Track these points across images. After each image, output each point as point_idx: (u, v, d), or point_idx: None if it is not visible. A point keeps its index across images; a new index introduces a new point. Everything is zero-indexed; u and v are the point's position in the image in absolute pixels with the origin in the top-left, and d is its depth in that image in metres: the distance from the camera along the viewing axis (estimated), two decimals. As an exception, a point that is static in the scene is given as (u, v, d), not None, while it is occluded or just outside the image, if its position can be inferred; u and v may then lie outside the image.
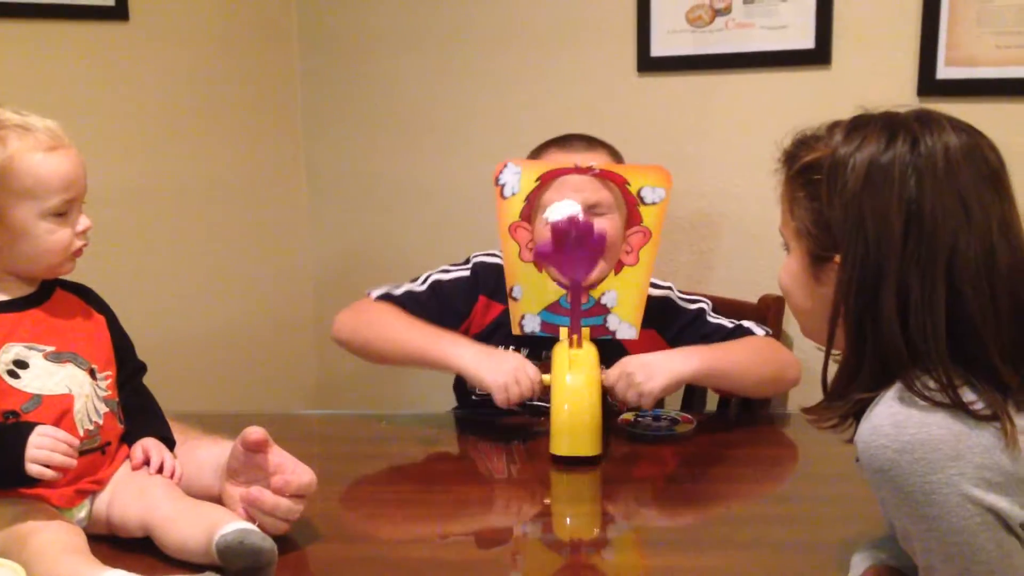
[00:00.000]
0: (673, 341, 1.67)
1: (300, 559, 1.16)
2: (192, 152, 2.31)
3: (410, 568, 1.17)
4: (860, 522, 1.19)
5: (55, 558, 1.03)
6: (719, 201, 2.03)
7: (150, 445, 1.20)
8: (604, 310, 1.54)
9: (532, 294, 1.55)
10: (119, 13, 2.13)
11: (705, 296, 1.75)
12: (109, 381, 1.20)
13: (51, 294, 1.19)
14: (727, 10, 1.93)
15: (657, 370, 1.49)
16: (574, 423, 1.43)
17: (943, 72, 1.72)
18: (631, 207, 1.54)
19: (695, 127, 2.03)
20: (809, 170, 1.00)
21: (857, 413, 0.99)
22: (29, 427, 1.08)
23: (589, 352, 1.49)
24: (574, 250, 1.46)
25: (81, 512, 1.15)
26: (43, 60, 2.03)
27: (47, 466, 1.06)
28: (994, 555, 0.90)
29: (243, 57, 2.39)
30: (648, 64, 2.04)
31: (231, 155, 2.38)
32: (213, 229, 2.38)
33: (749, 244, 2.00)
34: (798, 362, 1.63)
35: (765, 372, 1.61)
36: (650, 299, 1.59)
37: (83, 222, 1.17)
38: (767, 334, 1.67)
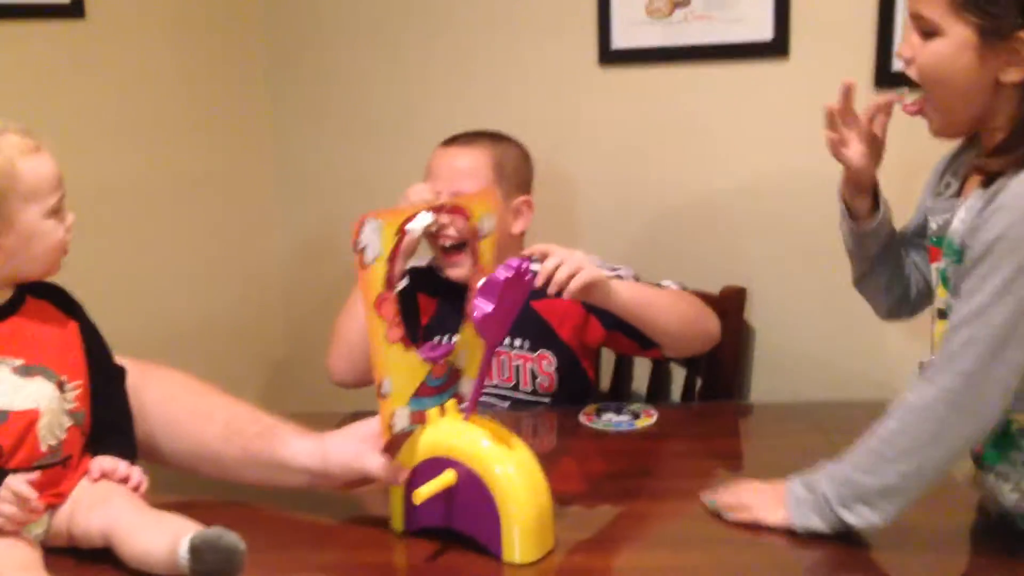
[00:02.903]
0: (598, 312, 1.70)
1: None
2: (155, 148, 2.28)
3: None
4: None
5: (7, 575, 1.03)
6: (679, 192, 2.04)
7: (108, 462, 1.19)
8: (457, 376, 1.28)
9: (401, 384, 1.21)
10: (75, 11, 2.08)
11: (667, 288, 1.76)
12: (78, 392, 1.18)
13: (23, 303, 1.18)
14: (686, 3, 1.94)
15: (586, 264, 1.49)
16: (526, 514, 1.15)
17: (899, 64, 1.73)
18: (473, 244, 1.27)
19: (656, 119, 2.04)
20: None
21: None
22: None
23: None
24: (510, 302, 1.16)
25: (39, 528, 1.14)
26: (-2, 61, 2.01)
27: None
28: None
29: (206, 50, 2.36)
30: (609, 56, 2.04)
31: (196, 150, 2.36)
32: (179, 225, 2.35)
33: (710, 235, 2.01)
34: (716, 317, 1.74)
35: (687, 311, 1.68)
36: None
37: (69, 218, 1.18)
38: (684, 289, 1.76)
